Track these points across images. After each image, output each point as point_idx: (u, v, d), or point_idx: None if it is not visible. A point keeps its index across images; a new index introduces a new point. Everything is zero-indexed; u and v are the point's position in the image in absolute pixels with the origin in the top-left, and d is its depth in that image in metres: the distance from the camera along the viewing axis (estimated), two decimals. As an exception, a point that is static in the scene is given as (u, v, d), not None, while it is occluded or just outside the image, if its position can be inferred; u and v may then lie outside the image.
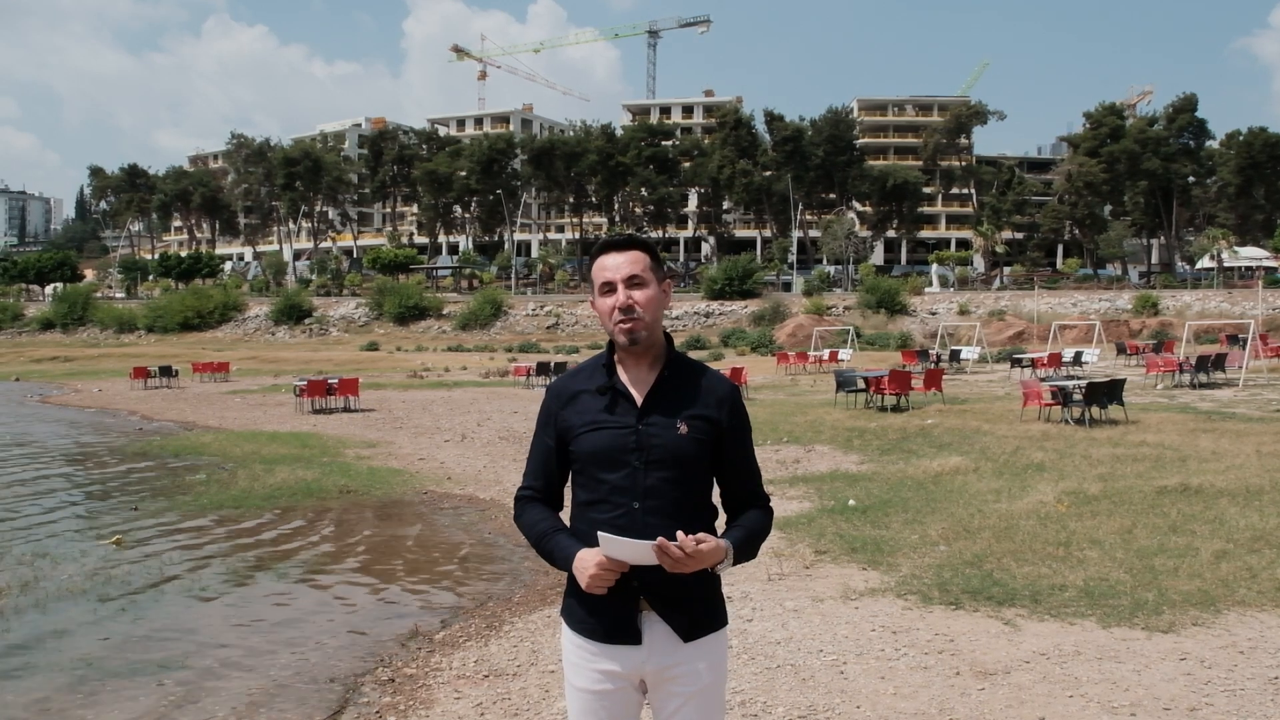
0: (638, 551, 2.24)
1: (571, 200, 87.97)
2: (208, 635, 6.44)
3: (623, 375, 2.44)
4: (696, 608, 2.39)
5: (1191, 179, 73.64)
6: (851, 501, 9.78)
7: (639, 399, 2.40)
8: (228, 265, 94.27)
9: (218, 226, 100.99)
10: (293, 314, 64.74)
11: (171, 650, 6.13)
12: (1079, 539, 7.79)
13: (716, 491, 2.53)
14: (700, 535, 2.25)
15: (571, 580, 2.41)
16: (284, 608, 7.14)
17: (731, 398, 2.47)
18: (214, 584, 7.75)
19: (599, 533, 2.27)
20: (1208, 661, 5.15)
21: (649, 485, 2.35)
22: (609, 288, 2.41)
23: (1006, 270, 75.23)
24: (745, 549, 2.42)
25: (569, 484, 2.53)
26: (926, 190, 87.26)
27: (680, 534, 2.23)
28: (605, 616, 2.38)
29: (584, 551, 2.33)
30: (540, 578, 7.58)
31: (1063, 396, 15.93)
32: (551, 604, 6.76)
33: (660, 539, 2.22)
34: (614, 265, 2.41)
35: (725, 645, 2.50)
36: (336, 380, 22.73)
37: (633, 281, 2.39)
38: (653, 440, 2.36)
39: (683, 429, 2.37)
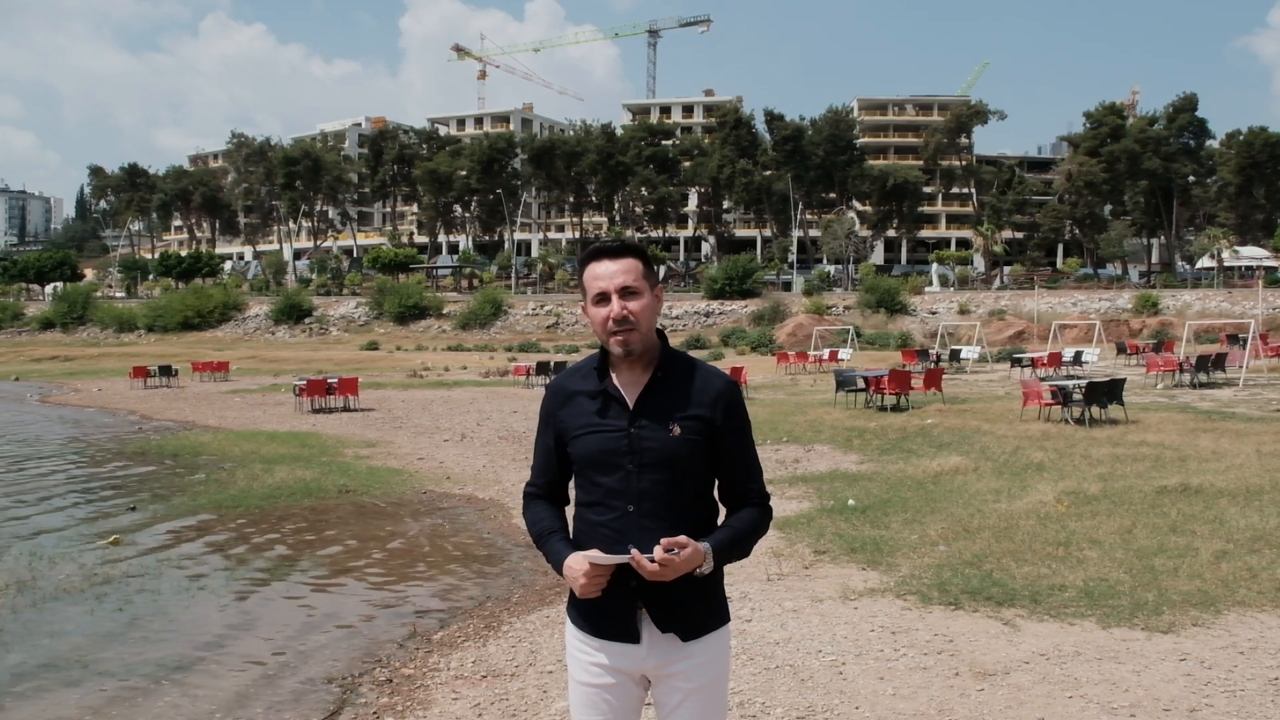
0: (622, 561, 2.27)
1: (572, 200, 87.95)
2: (204, 635, 6.42)
3: (615, 378, 2.43)
4: (694, 610, 2.38)
5: (1192, 178, 73.49)
6: (851, 501, 9.77)
7: (630, 402, 2.39)
8: (228, 265, 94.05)
9: (218, 226, 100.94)
10: (293, 313, 64.70)
11: (168, 650, 6.12)
12: (1079, 539, 7.77)
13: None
14: (680, 539, 2.24)
15: None
16: (282, 607, 7.13)
17: (728, 395, 2.43)
18: (211, 584, 7.74)
19: (593, 550, 2.30)
20: (1208, 662, 5.13)
21: (643, 488, 2.34)
22: (603, 298, 2.37)
23: (1007, 270, 75.10)
24: (730, 550, 2.39)
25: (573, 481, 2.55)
26: (927, 190, 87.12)
27: (657, 548, 2.23)
28: (605, 615, 2.38)
29: (571, 558, 2.34)
30: (539, 578, 7.57)
31: (1063, 396, 15.92)
32: (550, 604, 6.75)
33: (634, 553, 2.23)
34: (607, 274, 2.37)
35: (728, 643, 2.50)
36: (336, 380, 22.75)
37: (627, 292, 2.35)
38: (645, 443, 2.35)
39: (675, 430, 2.36)
